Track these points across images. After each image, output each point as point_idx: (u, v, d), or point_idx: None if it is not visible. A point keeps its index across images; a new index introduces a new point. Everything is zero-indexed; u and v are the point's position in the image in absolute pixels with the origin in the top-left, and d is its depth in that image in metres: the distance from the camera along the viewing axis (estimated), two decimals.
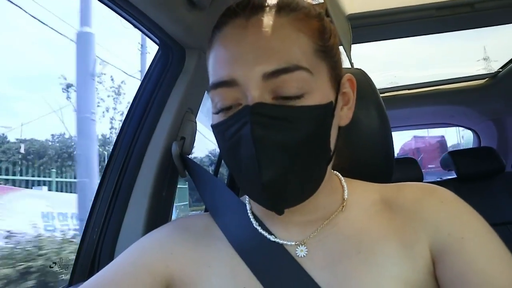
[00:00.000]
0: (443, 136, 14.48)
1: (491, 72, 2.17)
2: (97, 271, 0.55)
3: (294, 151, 0.48)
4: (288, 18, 0.51)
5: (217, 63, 0.52)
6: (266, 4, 0.52)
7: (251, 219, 0.59)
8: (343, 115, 0.57)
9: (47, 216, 4.99)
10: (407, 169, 1.90)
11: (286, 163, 0.47)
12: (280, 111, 0.48)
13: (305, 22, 0.52)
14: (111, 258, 0.58)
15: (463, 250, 0.48)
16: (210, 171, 0.79)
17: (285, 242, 0.55)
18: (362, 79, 0.79)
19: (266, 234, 0.57)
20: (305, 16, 0.52)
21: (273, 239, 0.56)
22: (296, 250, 0.54)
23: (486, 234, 0.50)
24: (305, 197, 0.52)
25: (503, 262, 0.47)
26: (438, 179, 2.34)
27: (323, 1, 0.74)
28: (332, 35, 0.55)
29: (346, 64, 0.67)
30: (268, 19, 0.50)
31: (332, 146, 0.54)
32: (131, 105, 0.93)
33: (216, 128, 0.53)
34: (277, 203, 0.50)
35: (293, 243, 0.55)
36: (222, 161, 1.71)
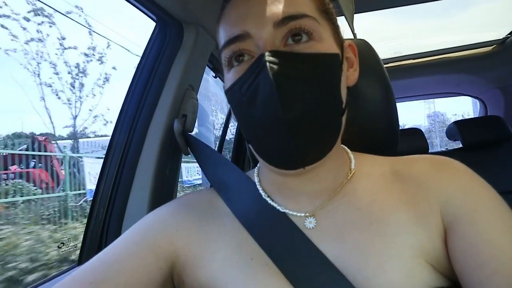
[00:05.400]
0: None
1: (499, 38, 2.11)
2: None
3: (310, 91, 0.48)
4: None
5: (228, 24, 0.53)
6: None
7: (261, 192, 0.59)
8: (350, 75, 0.59)
9: None
10: (413, 140, 1.87)
11: (304, 103, 0.47)
12: (292, 54, 0.50)
13: None
14: (117, 237, 0.58)
15: (475, 221, 0.48)
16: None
17: (293, 213, 0.55)
18: (366, 50, 0.77)
19: (275, 205, 0.56)
20: None
21: (282, 210, 0.56)
22: (305, 222, 0.54)
23: (498, 206, 0.50)
24: (325, 147, 0.51)
25: None
26: (444, 150, 2.32)
27: None
28: (329, 2, 0.58)
29: (347, 36, 0.65)
30: None
31: (343, 99, 0.54)
32: (130, 84, 0.92)
33: (232, 89, 0.53)
34: (300, 147, 0.48)
35: (302, 215, 0.55)
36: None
